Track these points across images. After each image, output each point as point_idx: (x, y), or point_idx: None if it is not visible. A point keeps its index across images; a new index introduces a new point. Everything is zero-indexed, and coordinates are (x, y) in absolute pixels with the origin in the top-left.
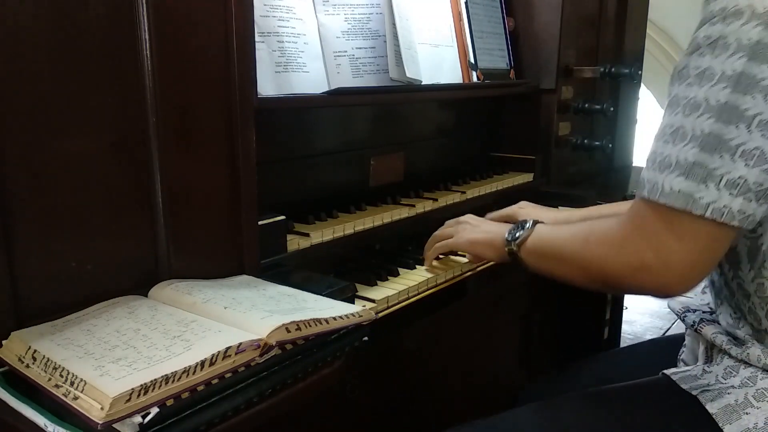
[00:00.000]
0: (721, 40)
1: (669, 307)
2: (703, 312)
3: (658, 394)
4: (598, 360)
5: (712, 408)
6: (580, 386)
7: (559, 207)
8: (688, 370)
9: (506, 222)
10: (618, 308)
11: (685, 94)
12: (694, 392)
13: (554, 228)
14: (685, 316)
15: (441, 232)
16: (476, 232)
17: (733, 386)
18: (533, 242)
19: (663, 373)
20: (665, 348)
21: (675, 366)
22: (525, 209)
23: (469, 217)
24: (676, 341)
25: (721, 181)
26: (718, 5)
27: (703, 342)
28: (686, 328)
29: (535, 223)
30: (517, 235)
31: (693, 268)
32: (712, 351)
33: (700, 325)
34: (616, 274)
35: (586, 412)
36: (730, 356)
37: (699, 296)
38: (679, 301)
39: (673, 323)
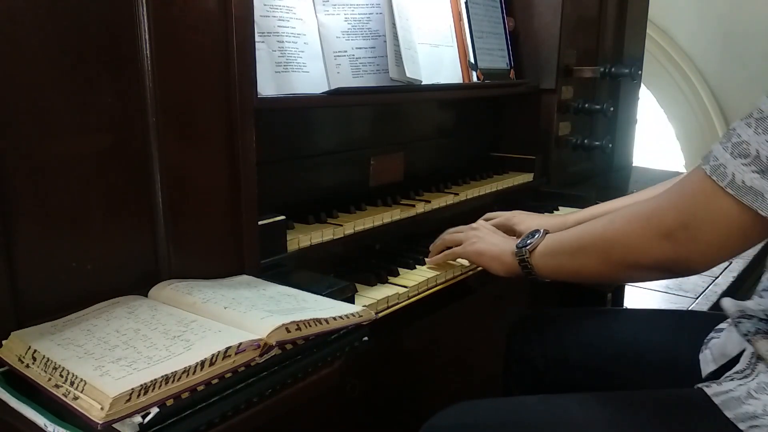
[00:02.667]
0: None
1: (723, 308)
2: (760, 320)
3: (693, 413)
4: (604, 314)
5: None
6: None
7: (560, 207)
8: (731, 390)
9: (500, 229)
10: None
11: None
12: (741, 426)
13: (567, 230)
14: (740, 323)
15: (451, 236)
16: (485, 243)
17: None
18: (545, 245)
19: (699, 388)
20: (671, 318)
21: (687, 342)
22: (518, 217)
23: (481, 225)
24: (684, 315)
25: None
26: None
27: (752, 350)
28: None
29: (546, 231)
30: (528, 242)
31: (719, 249)
32: (758, 362)
33: (756, 336)
34: (638, 245)
35: (601, 414)
36: None
37: (756, 299)
38: (736, 304)
39: None
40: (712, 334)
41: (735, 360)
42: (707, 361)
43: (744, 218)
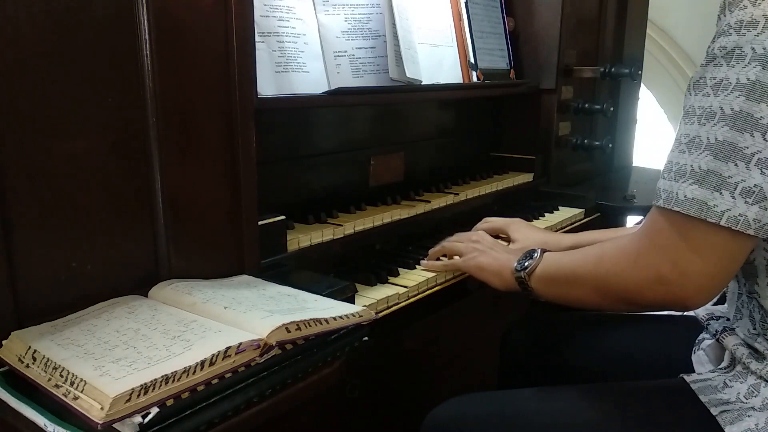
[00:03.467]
0: (737, 50)
1: (695, 313)
2: (727, 319)
3: (674, 401)
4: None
5: (731, 431)
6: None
7: (560, 207)
8: (709, 379)
9: (496, 235)
10: None
11: (700, 104)
12: (713, 411)
13: (563, 254)
14: (709, 324)
15: (451, 246)
16: (486, 258)
17: (753, 408)
18: (543, 269)
19: (682, 378)
20: (667, 322)
21: (683, 345)
22: (516, 224)
23: (482, 237)
24: (679, 319)
25: (736, 189)
26: (734, 18)
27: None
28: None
29: (543, 251)
30: (526, 264)
31: (711, 278)
32: (734, 359)
33: (723, 334)
34: (632, 288)
35: (592, 404)
36: (752, 372)
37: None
38: (705, 308)
39: None
40: (703, 335)
41: None
42: (702, 362)
43: (721, 237)
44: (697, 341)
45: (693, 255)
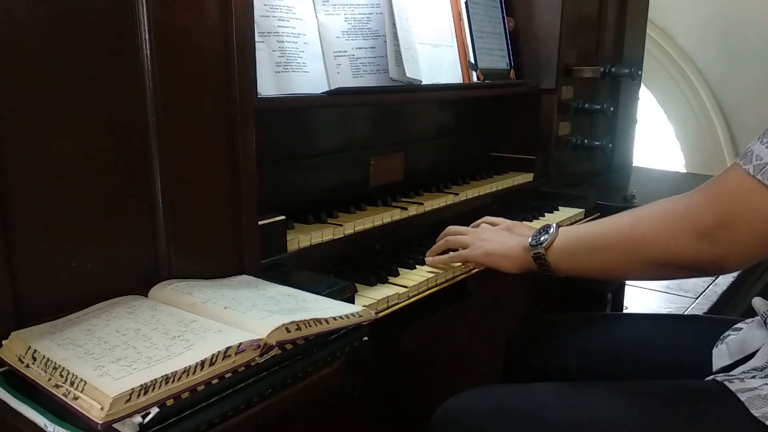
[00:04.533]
0: None
1: (754, 306)
2: None
3: (712, 403)
4: (608, 318)
5: None
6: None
7: (560, 207)
8: (756, 388)
9: None
10: (618, 309)
11: None
12: (766, 422)
13: (584, 225)
14: None
15: (456, 238)
16: (492, 243)
17: None
18: (562, 242)
19: (715, 380)
20: (670, 322)
21: (687, 345)
22: (519, 228)
23: (484, 226)
24: (683, 318)
25: None
26: None
27: None
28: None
29: (559, 226)
30: (542, 238)
31: (757, 248)
32: None
33: None
34: (673, 245)
35: (630, 404)
36: None
37: None
38: (766, 303)
39: None
40: (729, 332)
41: (750, 357)
42: (722, 356)
43: None
44: (721, 337)
45: (749, 225)
